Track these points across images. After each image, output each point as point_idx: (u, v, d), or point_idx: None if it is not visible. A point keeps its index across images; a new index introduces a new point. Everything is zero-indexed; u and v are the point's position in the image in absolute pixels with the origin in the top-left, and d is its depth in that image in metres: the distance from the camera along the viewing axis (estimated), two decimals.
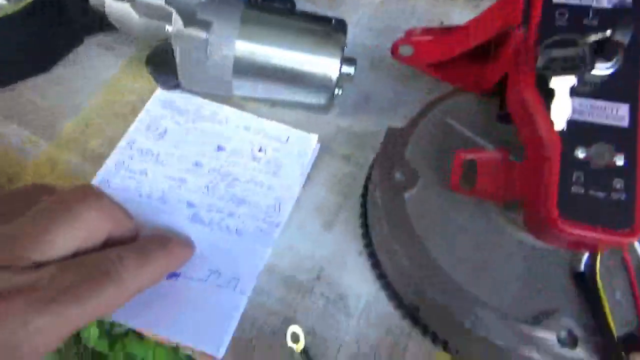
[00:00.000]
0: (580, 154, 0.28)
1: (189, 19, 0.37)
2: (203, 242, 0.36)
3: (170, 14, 0.37)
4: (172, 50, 0.38)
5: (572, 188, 0.28)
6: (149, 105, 0.42)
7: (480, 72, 0.39)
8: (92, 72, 0.44)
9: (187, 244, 0.35)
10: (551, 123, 0.29)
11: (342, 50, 0.39)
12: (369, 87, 0.47)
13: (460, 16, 0.50)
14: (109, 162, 0.39)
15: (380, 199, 0.34)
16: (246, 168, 0.40)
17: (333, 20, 0.40)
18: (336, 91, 0.40)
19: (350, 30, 0.42)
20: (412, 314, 0.34)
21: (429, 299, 0.31)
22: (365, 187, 0.39)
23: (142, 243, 0.32)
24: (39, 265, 0.26)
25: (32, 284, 0.25)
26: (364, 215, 0.38)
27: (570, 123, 0.29)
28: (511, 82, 0.33)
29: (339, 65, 0.39)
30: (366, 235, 0.37)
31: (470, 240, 0.33)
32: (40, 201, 0.29)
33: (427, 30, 0.41)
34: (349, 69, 0.40)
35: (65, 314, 0.25)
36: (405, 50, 0.41)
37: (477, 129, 0.37)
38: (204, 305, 0.33)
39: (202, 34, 0.36)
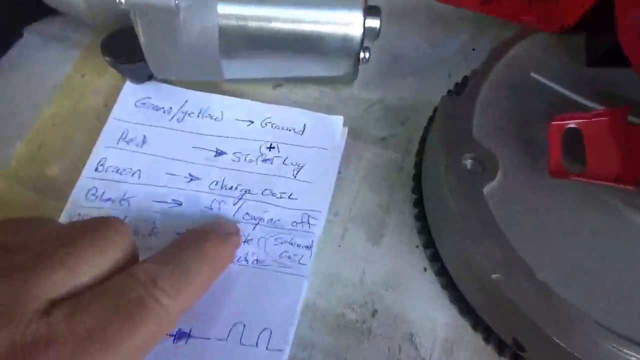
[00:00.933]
0: None
1: None
2: (217, 287, 0.26)
3: None
4: (134, 29, 0.27)
5: None
6: (116, 108, 0.32)
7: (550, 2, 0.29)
8: (40, 74, 0.34)
9: (229, 233, 0.27)
10: None
11: None
12: (395, 43, 0.36)
13: None
14: (76, 193, 0.29)
15: (454, 198, 0.24)
16: (256, 174, 0.30)
17: None
18: (361, 55, 0.29)
19: None
20: (513, 353, 0.25)
21: (532, 331, 0.22)
22: (417, 178, 0.30)
23: (172, 250, 0.23)
24: (52, 305, 0.18)
25: (46, 338, 0.17)
26: (422, 216, 0.29)
27: None
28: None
29: (362, 18, 0.28)
30: (429, 243, 0.28)
31: (585, 244, 0.23)
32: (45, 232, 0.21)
33: None
34: (374, 22, 0.29)
35: None
36: None
37: (567, 81, 0.27)
38: None
39: (169, 0, 0.26)
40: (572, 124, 0.24)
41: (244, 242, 0.28)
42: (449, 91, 0.29)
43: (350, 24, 0.28)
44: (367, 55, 0.30)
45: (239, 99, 0.32)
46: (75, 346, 0.18)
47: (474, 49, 0.36)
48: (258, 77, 0.32)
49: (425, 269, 0.28)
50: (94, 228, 0.21)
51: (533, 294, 0.22)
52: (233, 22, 0.28)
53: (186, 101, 0.32)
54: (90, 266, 0.20)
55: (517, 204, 0.24)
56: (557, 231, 0.23)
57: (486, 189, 0.24)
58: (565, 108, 0.25)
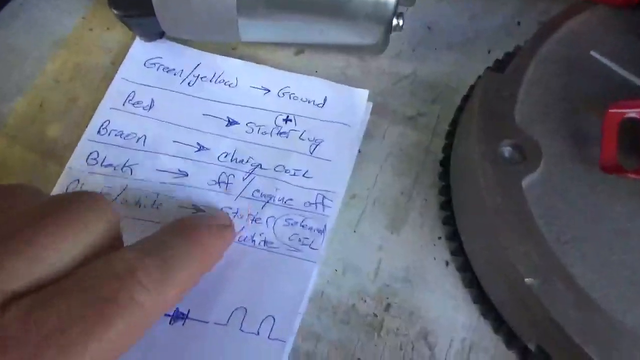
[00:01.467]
0: None
1: None
2: (218, 266, 0.24)
3: None
4: None
5: None
6: (124, 67, 0.29)
7: None
8: (44, 25, 0.32)
9: (224, 225, 0.24)
10: None
11: None
12: (431, 12, 0.33)
13: None
14: (76, 157, 0.27)
15: (487, 189, 0.21)
16: (270, 148, 0.27)
17: None
18: (394, 22, 0.26)
19: None
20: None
21: (565, 343, 0.19)
22: (445, 164, 0.27)
23: (159, 239, 0.20)
24: (13, 298, 0.16)
25: None
26: (448, 205, 0.26)
27: None
28: None
29: None
30: (454, 236, 0.25)
31: (638, 252, 0.20)
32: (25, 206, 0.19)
33: None
34: None
35: None
36: None
37: (630, 63, 0.23)
38: None
39: None
40: (632, 112, 0.20)
41: (252, 221, 0.26)
42: (489, 68, 0.26)
43: None
44: (401, 22, 0.27)
45: (256, 65, 0.30)
46: (28, 352, 0.15)
47: (519, 23, 0.32)
48: (278, 41, 0.30)
49: (447, 263, 0.26)
50: (65, 206, 0.18)
51: (570, 303, 0.19)
52: None
53: (199, 64, 0.30)
54: (58, 252, 0.17)
55: (561, 201, 0.21)
56: (605, 235, 0.20)
57: (525, 182, 0.21)
58: (626, 94, 0.22)
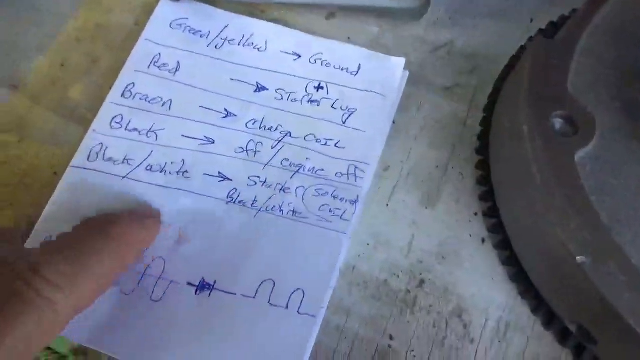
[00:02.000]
0: None
1: None
2: (245, 234, 0.23)
3: None
4: None
5: None
6: (149, 27, 0.28)
7: None
8: None
9: (144, 216, 0.23)
10: None
11: None
12: None
13: None
14: (100, 119, 0.26)
15: (537, 162, 0.20)
16: (301, 116, 0.26)
17: None
18: None
19: None
20: (577, 344, 0.22)
21: (615, 325, 0.18)
22: (484, 137, 0.26)
23: (71, 235, 0.20)
24: None
25: None
26: (486, 181, 0.25)
27: None
28: None
29: None
30: (492, 212, 0.24)
31: None
32: None
33: None
34: None
35: None
36: None
37: None
38: (251, 338, 0.22)
39: None
40: None
41: (281, 190, 0.25)
42: (541, 30, 0.24)
43: None
44: None
45: (286, 28, 0.28)
46: None
47: None
48: (309, 2, 0.28)
49: (483, 240, 0.25)
50: None
51: (625, 284, 0.18)
52: None
53: (227, 26, 0.28)
54: None
55: (615, 177, 0.20)
56: None
57: (578, 156, 0.20)
58: None
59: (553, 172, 0.20)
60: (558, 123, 0.21)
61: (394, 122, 0.27)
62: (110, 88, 0.27)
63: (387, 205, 0.26)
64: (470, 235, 0.25)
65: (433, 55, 0.29)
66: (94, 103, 0.27)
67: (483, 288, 0.24)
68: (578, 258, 0.19)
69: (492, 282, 0.24)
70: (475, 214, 0.25)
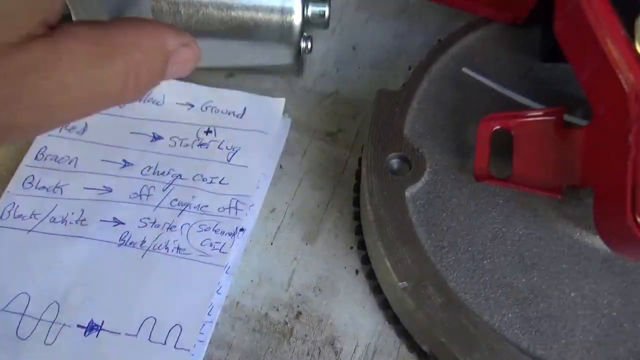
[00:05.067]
0: None
1: None
2: (133, 274, 0.26)
3: None
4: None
5: None
6: None
7: None
8: None
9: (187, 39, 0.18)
10: (637, 55, 0.17)
11: None
12: (356, 32, 0.34)
13: None
14: (15, 181, 0.29)
15: (372, 199, 0.23)
16: (191, 159, 0.29)
17: None
18: (303, 44, 0.28)
19: None
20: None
21: (445, 349, 0.20)
22: (359, 176, 0.28)
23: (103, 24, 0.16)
24: None
25: None
26: (359, 217, 0.27)
27: None
28: None
29: (301, 4, 0.27)
30: (363, 245, 0.26)
31: (510, 257, 0.21)
32: None
33: None
34: (319, 8, 0.28)
35: None
36: None
37: (511, 78, 0.25)
38: None
39: None
40: (500, 124, 0.22)
41: (168, 229, 0.27)
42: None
43: (288, 10, 0.27)
44: (309, 45, 0.28)
45: (183, 82, 0.31)
46: None
47: (439, 40, 0.34)
48: (203, 65, 0.31)
49: (357, 272, 0.27)
50: None
51: (439, 305, 0.20)
52: (165, 6, 0.27)
53: None
54: None
55: (442, 210, 0.22)
56: (481, 240, 0.21)
57: (409, 192, 0.23)
58: (506, 107, 0.23)
59: (384, 207, 0.22)
60: (395, 163, 0.24)
61: (280, 167, 0.30)
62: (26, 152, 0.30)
63: (272, 243, 0.28)
64: (346, 267, 0.27)
65: (319, 104, 0.32)
66: (14, 165, 0.30)
67: (355, 316, 0.26)
68: (400, 284, 0.21)
69: (364, 310, 0.26)
70: (351, 248, 0.28)
